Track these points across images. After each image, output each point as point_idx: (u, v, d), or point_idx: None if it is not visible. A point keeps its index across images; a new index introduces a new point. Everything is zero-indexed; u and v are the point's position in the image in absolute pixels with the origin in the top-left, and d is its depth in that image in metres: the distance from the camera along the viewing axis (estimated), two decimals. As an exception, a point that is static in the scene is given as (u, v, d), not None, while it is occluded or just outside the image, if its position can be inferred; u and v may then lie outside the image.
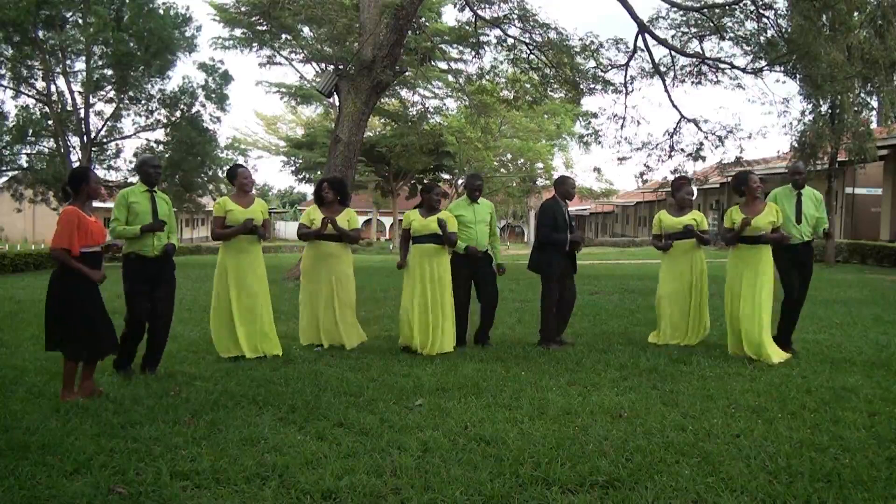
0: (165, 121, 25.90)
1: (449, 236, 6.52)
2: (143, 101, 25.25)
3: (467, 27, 18.51)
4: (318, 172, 38.82)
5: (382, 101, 26.76)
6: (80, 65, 24.05)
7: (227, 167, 7.36)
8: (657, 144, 17.67)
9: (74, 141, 24.19)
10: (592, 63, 16.74)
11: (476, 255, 6.76)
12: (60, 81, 23.83)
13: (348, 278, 6.76)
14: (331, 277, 6.63)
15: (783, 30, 14.53)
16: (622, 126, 17.50)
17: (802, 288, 6.54)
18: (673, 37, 16.09)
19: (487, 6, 16.63)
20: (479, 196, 7.02)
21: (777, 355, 6.16)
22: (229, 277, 6.15)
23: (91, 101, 24.11)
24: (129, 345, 5.43)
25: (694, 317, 6.97)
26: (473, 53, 19.73)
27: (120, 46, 22.37)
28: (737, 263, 6.45)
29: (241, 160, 32.04)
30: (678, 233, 7.03)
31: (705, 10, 15.37)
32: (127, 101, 24.88)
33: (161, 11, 23.77)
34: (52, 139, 24.26)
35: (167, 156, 25.52)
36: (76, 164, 23.46)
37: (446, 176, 42.95)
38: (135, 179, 5.59)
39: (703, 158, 17.64)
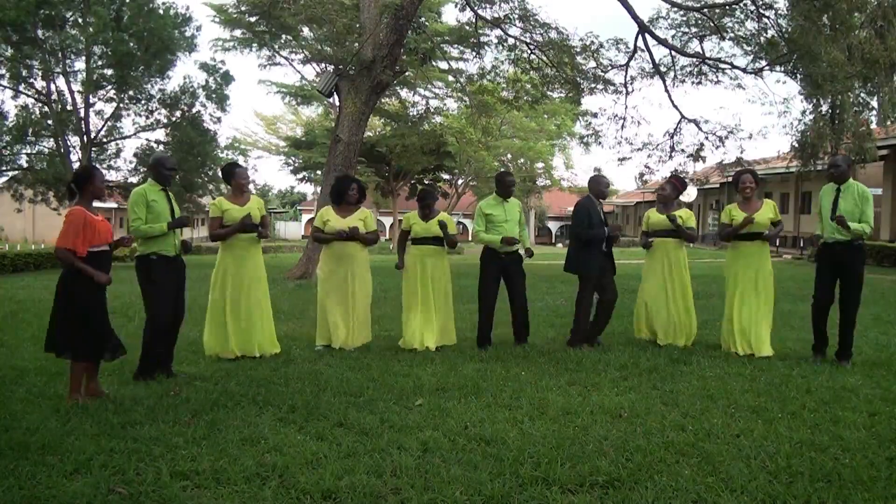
0: (166, 121, 25.90)
1: (451, 238, 6.78)
2: (143, 101, 25.25)
3: (468, 27, 18.52)
4: (318, 172, 38.84)
5: (382, 101, 26.76)
6: (79, 64, 24.06)
7: (223, 166, 7.22)
8: (658, 145, 17.69)
9: (74, 141, 24.19)
10: (593, 63, 16.76)
11: (513, 243, 6.73)
12: (60, 81, 23.85)
13: (364, 278, 6.72)
14: (349, 277, 6.62)
15: (783, 30, 14.53)
16: (622, 126, 17.52)
17: (846, 293, 6.03)
18: (673, 37, 16.12)
19: (488, 6, 16.62)
20: (512, 193, 6.99)
21: (768, 350, 6.31)
22: (227, 277, 6.13)
23: (91, 101, 24.11)
24: (156, 350, 5.33)
25: (681, 317, 6.87)
26: (474, 53, 19.75)
27: (120, 46, 22.36)
28: (735, 261, 6.54)
29: (241, 160, 32.06)
30: (661, 230, 6.99)
31: (705, 10, 15.37)
32: (127, 101, 24.87)
33: (161, 11, 23.77)
34: (52, 139, 24.25)
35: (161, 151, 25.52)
36: (76, 164, 23.46)
37: (446, 176, 42.98)
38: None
39: (704, 159, 17.67)
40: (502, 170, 7.85)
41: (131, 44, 23.01)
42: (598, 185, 7.02)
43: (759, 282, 6.41)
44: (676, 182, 7.33)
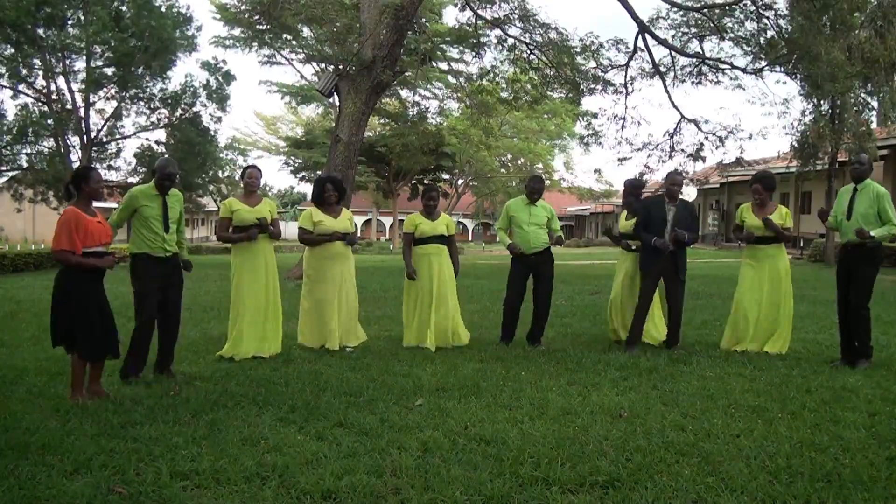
0: (166, 121, 25.90)
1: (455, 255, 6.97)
2: (143, 101, 25.23)
3: (468, 27, 18.52)
4: (318, 172, 38.85)
5: (382, 101, 26.76)
6: (80, 63, 24.02)
7: (241, 168, 7.29)
8: (658, 145, 17.67)
9: (74, 140, 24.17)
10: (593, 63, 16.77)
11: (515, 252, 6.78)
12: (60, 80, 23.83)
13: (353, 278, 6.80)
14: (340, 278, 6.62)
15: (783, 30, 14.54)
16: (622, 126, 17.51)
17: (851, 291, 5.96)
18: (673, 37, 16.11)
19: (488, 6, 16.63)
20: (539, 198, 6.93)
21: (783, 347, 6.39)
22: (244, 279, 6.17)
23: (91, 101, 24.11)
24: (140, 349, 5.32)
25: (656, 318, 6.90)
26: (474, 54, 19.73)
27: (120, 46, 22.36)
28: (748, 262, 6.62)
29: (241, 160, 32.09)
30: (629, 233, 6.92)
31: (705, 10, 15.37)
32: (128, 101, 24.86)
33: (162, 10, 23.75)
34: (52, 139, 24.24)
35: (167, 156, 25.52)
36: (76, 164, 23.45)
37: (446, 176, 43.00)
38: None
39: (704, 159, 17.67)
40: (534, 175, 7.68)
41: (132, 43, 23.00)
42: (671, 185, 6.60)
43: (772, 283, 6.43)
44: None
